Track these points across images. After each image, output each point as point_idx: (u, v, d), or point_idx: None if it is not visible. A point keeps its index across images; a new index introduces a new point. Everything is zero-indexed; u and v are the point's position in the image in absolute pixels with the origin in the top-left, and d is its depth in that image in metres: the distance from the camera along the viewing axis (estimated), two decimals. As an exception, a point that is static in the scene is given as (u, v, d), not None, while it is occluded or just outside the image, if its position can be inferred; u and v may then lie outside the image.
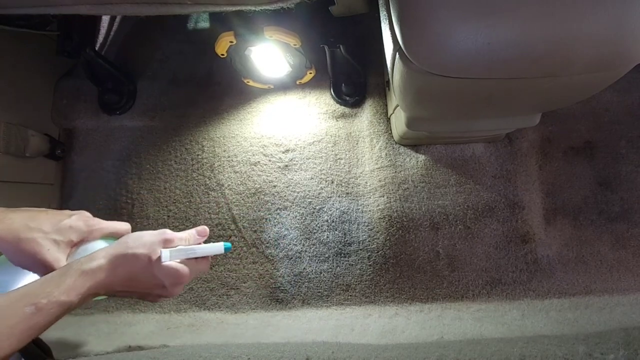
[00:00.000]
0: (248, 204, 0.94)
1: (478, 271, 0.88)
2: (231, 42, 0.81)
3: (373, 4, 0.64)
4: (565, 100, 0.64)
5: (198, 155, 0.99)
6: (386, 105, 0.97)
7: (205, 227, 0.54)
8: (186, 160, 0.99)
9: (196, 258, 0.50)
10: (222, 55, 0.86)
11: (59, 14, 0.82)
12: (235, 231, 0.93)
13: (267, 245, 0.92)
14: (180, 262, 0.48)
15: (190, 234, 0.52)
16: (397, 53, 0.51)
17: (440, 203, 0.91)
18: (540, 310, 0.82)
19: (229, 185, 0.96)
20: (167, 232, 0.48)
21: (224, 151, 0.98)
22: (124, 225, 0.54)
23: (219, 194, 0.96)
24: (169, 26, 1.07)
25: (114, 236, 0.53)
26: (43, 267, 0.46)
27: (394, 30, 0.50)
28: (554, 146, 0.95)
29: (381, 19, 0.58)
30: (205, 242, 0.54)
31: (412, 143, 0.94)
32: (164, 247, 0.47)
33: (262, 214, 0.93)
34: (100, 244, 0.50)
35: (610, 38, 0.46)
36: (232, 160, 0.97)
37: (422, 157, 0.93)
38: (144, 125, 1.02)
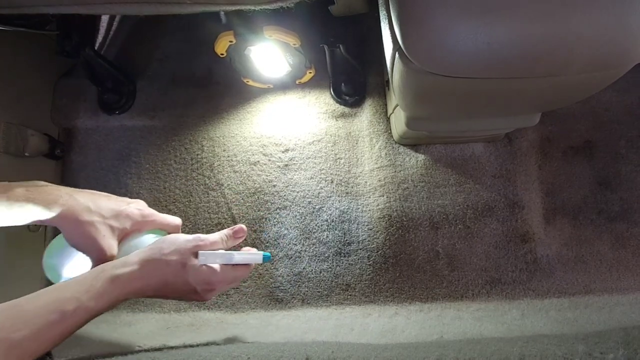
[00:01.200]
0: (247, 204, 0.94)
1: (478, 271, 0.88)
2: (231, 41, 0.81)
3: (373, 3, 0.64)
4: (565, 100, 0.64)
5: (197, 154, 0.99)
6: (386, 105, 0.97)
7: (243, 226, 0.53)
8: (186, 159, 0.99)
9: (233, 264, 0.49)
10: (222, 54, 0.85)
11: (58, 14, 0.82)
12: (235, 231, 0.93)
13: (267, 244, 0.92)
14: (216, 267, 0.48)
15: (225, 234, 0.51)
16: (397, 53, 0.51)
17: (440, 202, 0.91)
18: (540, 310, 0.82)
19: (228, 184, 0.96)
20: (201, 238, 0.48)
21: (224, 151, 0.98)
22: (175, 220, 0.54)
23: (219, 194, 0.96)
24: (168, 26, 1.07)
25: (165, 229, 0.54)
26: (96, 252, 0.46)
27: (393, 30, 0.50)
28: (553, 146, 0.95)
29: (381, 18, 0.58)
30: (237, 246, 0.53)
31: (411, 143, 0.94)
32: (200, 251, 0.47)
33: (261, 213, 0.93)
34: (149, 239, 0.51)
35: (610, 38, 0.46)
36: (231, 160, 0.97)
37: (421, 157, 0.93)
38: (143, 125, 1.02)
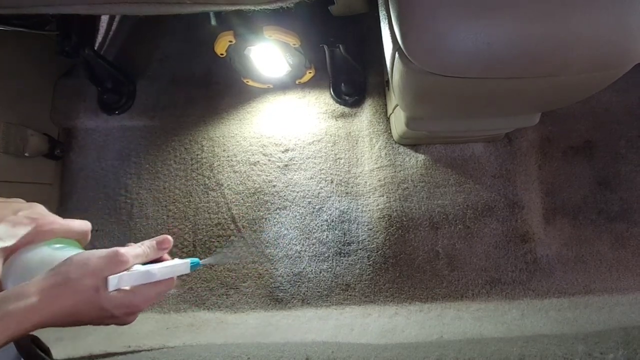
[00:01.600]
0: (247, 204, 0.94)
1: (477, 271, 0.88)
2: (230, 41, 0.81)
3: (373, 3, 0.64)
4: (565, 100, 0.64)
5: (197, 155, 0.99)
6: (386, 105, 0.97)
7: (168, 236, 0.44)
8: (185, 160, 0.99)
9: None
10: (222, 54, 0.85)
11: (58, 14, 0.82)
12: (235, 231, 0.93)
13: (267, 244, 0.92)
14: (134, 288, 0.40)
15: (149, 247, 0.43)
16: (397, 53, 0.51)
17: (440, 202, 0.91)
18: (540, 310, 0.82)
19: (228, 185, 0.96)
20: (119, 253, 0.39)
21: (224, 151, 0.98)
22: (82, 225, 0.44)
23: (219, 194, 0.96)
24: (168, 26, 1.07)
25: (69, 237, 0.44)
26: None
27: (393, 30, 0.50)
28: (553, 146, 0.95)
29: (381, 18, 0.58)
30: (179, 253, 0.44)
31: (411, 143, 0.94)
32: (115, 271, 0.38)
33: (261, 213, 0.93)
34: (45, 251, 0.40)
35: (609, 38, 0.46)
36: (231, 160, 0.97)
37: (421, 157, 0.93)
38: (143, 125, 1.02)
